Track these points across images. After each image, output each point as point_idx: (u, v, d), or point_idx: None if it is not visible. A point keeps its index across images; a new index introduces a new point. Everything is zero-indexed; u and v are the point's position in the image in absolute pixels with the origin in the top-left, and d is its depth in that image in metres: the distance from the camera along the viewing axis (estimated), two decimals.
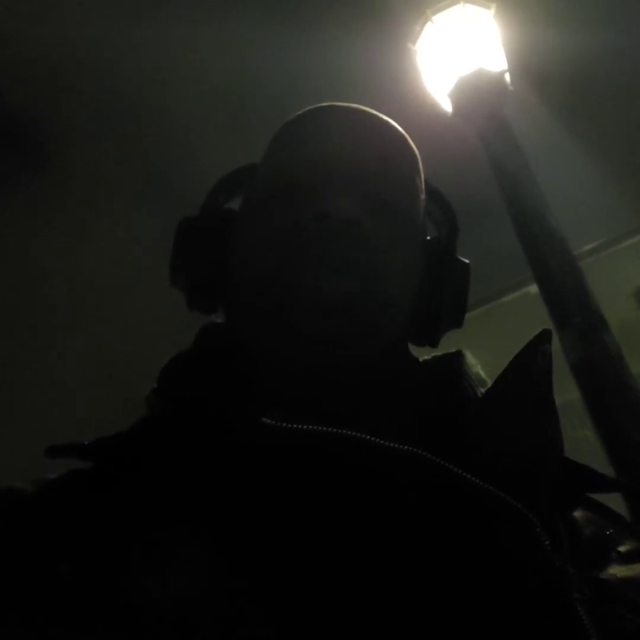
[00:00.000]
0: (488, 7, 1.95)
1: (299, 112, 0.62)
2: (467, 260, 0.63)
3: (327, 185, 0.54)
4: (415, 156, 0.61)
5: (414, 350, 0.62)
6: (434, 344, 0.62)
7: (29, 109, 2.03)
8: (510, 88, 1.90)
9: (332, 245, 0.51)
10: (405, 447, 0.42)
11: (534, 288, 1.76)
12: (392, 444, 0.42)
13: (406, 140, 0.61)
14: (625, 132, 2.26)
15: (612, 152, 2.25)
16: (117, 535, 0.41)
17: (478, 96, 1.87)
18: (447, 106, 1.97)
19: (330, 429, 0.42)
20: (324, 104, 0.61)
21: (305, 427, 0.42)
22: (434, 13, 1.95)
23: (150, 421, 0.51)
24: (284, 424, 0.42)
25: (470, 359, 0.59)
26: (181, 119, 2.09)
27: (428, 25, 1.96)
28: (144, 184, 2.10)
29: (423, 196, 0.61)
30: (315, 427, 0.42)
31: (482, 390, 0.54)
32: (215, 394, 0.49)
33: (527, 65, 2.02)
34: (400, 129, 0.61)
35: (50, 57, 1.93)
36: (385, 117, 0.61)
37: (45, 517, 0.44)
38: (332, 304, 0.50)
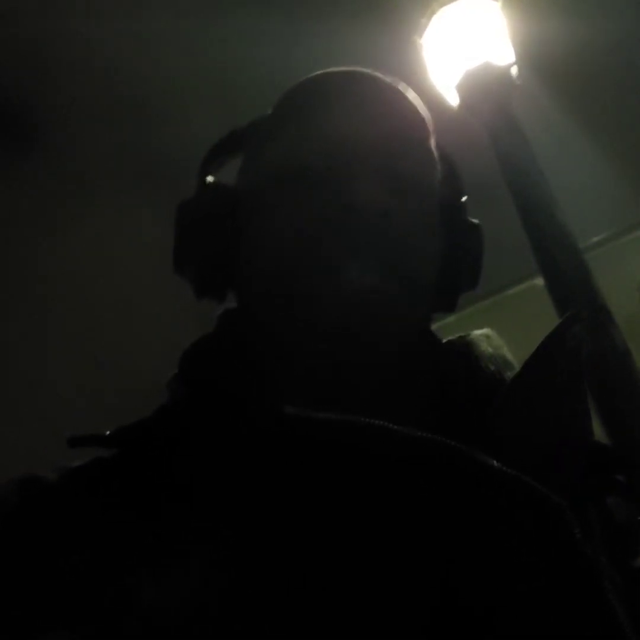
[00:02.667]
0: (495, 0, 1.94)
1: (301, 83, 0.59)
2: (476, 221, 0.61)
3: (350, 169, 0.52)
4: (425, 118, 0.58)
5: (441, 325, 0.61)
6: (451, 309, 0.61)
7: (16, 88, 2.00)
8: (518, 81, 1.89)
9: (361, 239, 0.50)
10: (429, 435, 0.41)
11: (540, 280, 1.75)
12: (414, 432, 0.41)
13: (414, 100, 0.58)
14: (633, 125, 2.25)
15: (619, 145, 2.24)
16: (132, 528, 0.41)
17: (485, 89, 1.86)
18: (453, 99, 1.96)
19: (353, 418, 0.41)
20: (324, 72, 0.58)
21: (327, 416, 0.42)
22: (441, 6, 1.94)
23: (172, 409, 0.50)
24: (306, 413, 0.42)
25: (497, 340, 0.57)
26: (180, 102, 2.07)
27: (434, 18, 1.95)
28: (139, 168, 2.08)
29: (437, 158, 0.59)
30: (337, 417, 0.41)
31: (509, 373, 0.53)
32: (238, 382, 0.48)
33: (534, 59, 2.01)
34: (409, 90, 0.58)
35: (39, 36, 1.90)
36: (392, 81, 0.58)
37: (67, 505, 0.44)
38: (359, 297, 0.49)
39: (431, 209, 0.56)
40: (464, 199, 0.62)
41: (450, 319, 0.68)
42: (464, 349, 0.56)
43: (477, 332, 0.58)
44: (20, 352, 2.05)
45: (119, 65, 2.00)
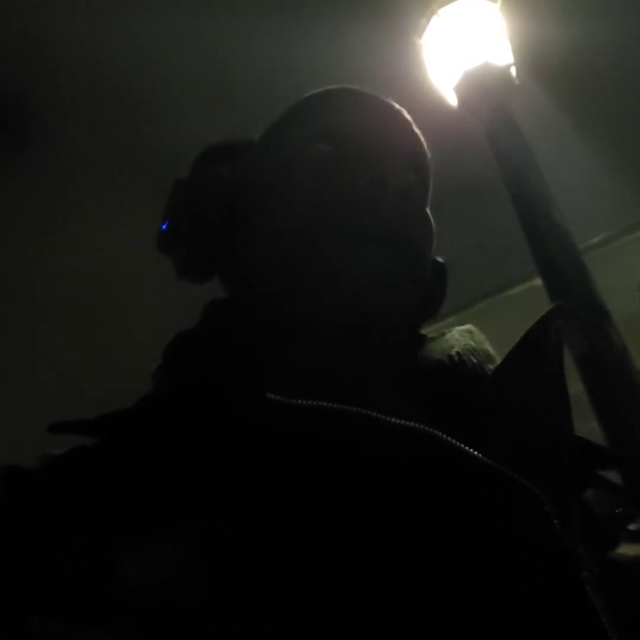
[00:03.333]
0: (494, 1, 1.94)
1: (323, 89, 0.60)
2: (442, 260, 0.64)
3: (381, 151, 0.54)
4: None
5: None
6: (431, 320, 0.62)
7: (11, 84, 1.98)
8: (516, 82, 1.90)
9: (386, 214, 0.51)
10: (413, 424, 0.41)
11: (539, 281, 1.75)
12: (399, 421, 0.41)
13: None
14: (631, 126, 2.25)
15: (618, 146, 2.25)
16: (118, 517, 0.41)
17: (484, 90, 1.87)
18: (452, 100, 1.96)
19: (337, 406, 0.42)
20: (343, 86, 0.60)
21: (311, 402, 0.42)
22: (440, 6, 1.95)
23: (155, 398, 0.50)
24: (290, 400, 0.42)
25: (479, 335, 0.58)
26: (177, 99, 2.06)
27: (434, 18, 1.96)
28: (134, 164, 2.07)
29: None
30: (322, 403, 0.42)
31: (491, 366, 0.53)
32: (221, 370, 0.48)
33: (533, 59, 2.02)
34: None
35: (35, 32, 1.89)
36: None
37: (50, 494, 0.43)
38: (378, 274, 0.50)
39: (432, 216, 0.58)
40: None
41: (451, 319, 0.69)
42: (449, 343, 0.57)
43: (459, 328, 0.59)
44: (14, 348, 2.05)
45: (116, 62, 2.00)
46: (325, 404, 0.42)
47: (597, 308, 1.60)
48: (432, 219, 0.57)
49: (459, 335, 0.57)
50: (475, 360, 0.54)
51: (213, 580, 0.37)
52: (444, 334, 0.58)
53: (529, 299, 2.20)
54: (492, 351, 0.56)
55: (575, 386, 1.59)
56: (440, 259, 0.63)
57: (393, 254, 0.51)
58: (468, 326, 0.59)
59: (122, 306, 2.05)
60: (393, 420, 0.41)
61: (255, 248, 0.55)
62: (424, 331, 0.60)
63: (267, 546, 0.38)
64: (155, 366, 0.53)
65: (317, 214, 0.52)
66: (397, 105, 0.60)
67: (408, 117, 0.60)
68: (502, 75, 1.88)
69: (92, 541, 0.39)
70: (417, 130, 0.60)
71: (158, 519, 0.40)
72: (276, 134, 0.60)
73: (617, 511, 0.48)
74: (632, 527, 0.48)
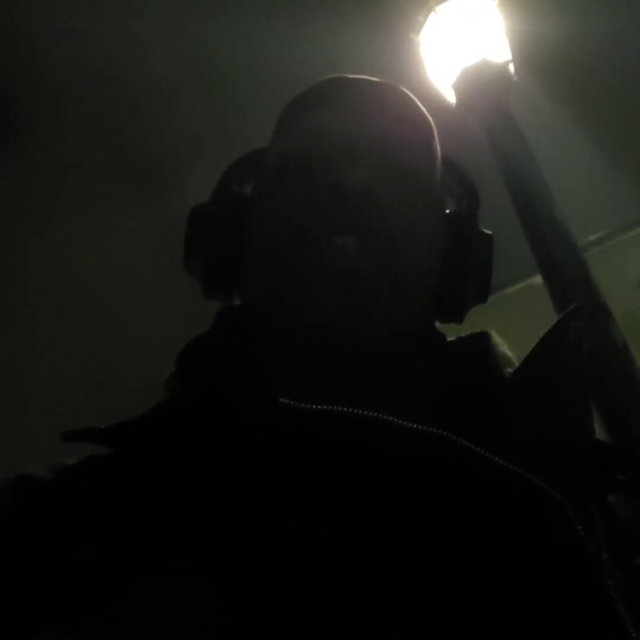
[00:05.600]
0: None
1: (308, 86, 0.61)
2: (489, 232, 0.62)
3: (340, 157, 0.53)
4: (430, 121, 0.60)
5: (439, 327, 0.61)
6: (459, 320, 0.60)
7: None
8: (515, 78, 1.89)
9: (345, 218, 0.50)
10: (429, 428, 0.40)
11: (538, 279, 1.75)
12: (414, 425, 0.40)
13: (419, 105, 0.60)
14: (630, 122, 2.24)
15: (618, 143, 2.24)
16: (128, 531, 0.40)
17: (482, 87, 1.86)
18: (451, 97, 1.95)
19: (349, 410, 0.41)
20: (332, 76, 0.60)
21: (323, 407, 0.41)
22: (438, 3, 1.94)
23: (168, 406, 0.50)
24: (302, 405, 0.41)
25: (496, 338, 0.57)
26: (162, 95, 2.05)
27: (431, 15, 1.95)
28: (121, 160, 2.06)
29: (440, 162, 0.60)
30: (333, 408, 0.41)
31: (509, 370, 0.53)
32: (234, 377, 0.48)
33: (531, 56, 2.01)
34: (412, 95, 0.60)
35: (20, 28, 1.88)
36: (396, 85, 0.60)
37: (61, 505, 0.43)
38: (346, 277, 0.49)
39: (428, 203, 0.57)
40: (476, 210, 0.62)
41: None
42: (466, 346, 0.56)
43: (478, 331, 0.58)
44: (7, 351, 2.04)
45: (103, 57, 1.98)
46: (336, 408, 0.41)
47: (598, 305, 1.60)
48: (427, 213, 0.56)
49: (477, 338, 0.57)
50: (493, 363, 0.53)
51: (226, 597, 0.37)
52: (461, 337, 0.58)
53: (529, 297, 2.19)
54: (509, 354, 0.55)
55: None
56: (486, 232, 0.62)
57: (362, 246, 0.50)
58: (485, 331, 0.58)
59: (113, 303, 2.04)
60: (410, 424, 0.41)
61: (252, 251, 0.57)
62: (438, 334, 0.60)
63: (284, 555, 0.38)
64: (168, 374, 0.53)
65: (283, 232, 0.53)
66: (382, 88, 0.59)
67: (392, 100, 0.59)
68: (500, 72, 1.88)
69: (103, 559, 0.39)
70: (400, 113, 0.58)
71: (174, 540, 0.40)
72: (271, 142, 0.62)
73: None
74: None
